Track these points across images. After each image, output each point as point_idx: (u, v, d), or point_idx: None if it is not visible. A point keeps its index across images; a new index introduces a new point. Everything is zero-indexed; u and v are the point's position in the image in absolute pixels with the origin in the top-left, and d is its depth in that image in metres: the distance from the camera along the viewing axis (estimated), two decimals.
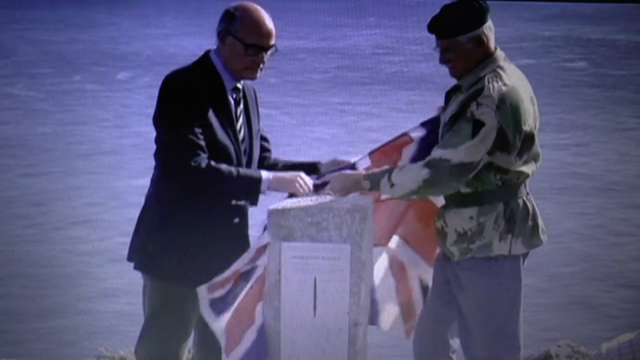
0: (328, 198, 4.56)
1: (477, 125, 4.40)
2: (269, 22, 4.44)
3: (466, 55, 4.50)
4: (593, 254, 10.96)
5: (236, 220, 4.51)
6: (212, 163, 4.37)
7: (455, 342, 4.78)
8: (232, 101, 4.49)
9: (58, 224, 12.00)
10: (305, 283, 4.43)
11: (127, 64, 25.74)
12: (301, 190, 4.41)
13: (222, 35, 4.43)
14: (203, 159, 4.36)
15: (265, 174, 4.45)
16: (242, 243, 4.55)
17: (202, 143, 4.36)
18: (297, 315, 4.43)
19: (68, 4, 44.85)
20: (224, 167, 4.39)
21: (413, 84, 23.23)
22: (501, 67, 4.52)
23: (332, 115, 19.52)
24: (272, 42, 4.42)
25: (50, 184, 13.70)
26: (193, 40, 30.82)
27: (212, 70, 4.45)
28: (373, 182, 4.51)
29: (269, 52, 4.43)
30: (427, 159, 4.45)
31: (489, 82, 4.45)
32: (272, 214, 4.50)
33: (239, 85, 4.52)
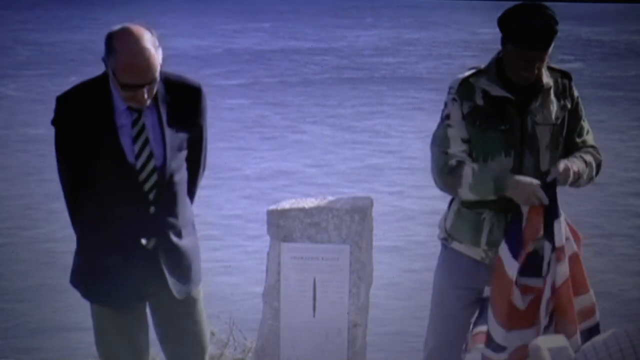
0: (327, 199, 4.56)
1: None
2: (144, 59, 4.02)
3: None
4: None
5: (143, 241, 4.36)
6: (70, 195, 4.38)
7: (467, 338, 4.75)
8: (125, 122, 4.17)
9: (54, 226, 11.98)
10: (305, 284, 4.43)
11: None
12: None
13: (105, 64, 4.14)
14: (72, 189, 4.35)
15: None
16: (155, 264, 4.39)
17: (75, 175, 4.31)
18: (297, 315, 4.43)
19: (64, 4, 44.82)
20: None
21: (409, 85, 23.24)
22: None
23: (327, 115, 19.52)
24: (150, 77, 4.05)
25: (43, 187, 13.67)
26: (191, 41, 30.82)
27: (104, 91, 4.20)
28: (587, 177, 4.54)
29: (150, 85, 4.10)
30: (590, 148, 4.56)
31: (555, 67, 4.59)
32: (271, 214, 4.49)
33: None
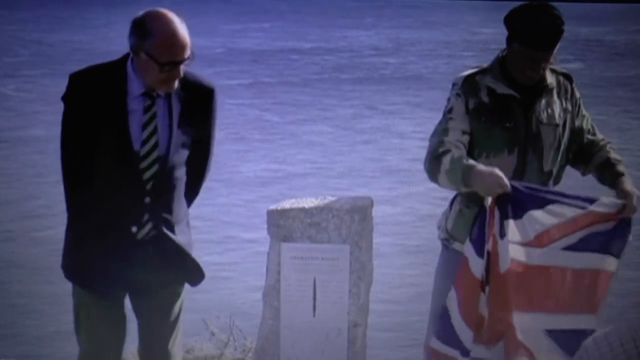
0: (327, 199, 4.56)
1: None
2: (183, 35, 4.12)
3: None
4: None
5: (134, 229, 4.34)
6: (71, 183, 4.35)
7: None
8: (136, 108, 4.19)
9: (56, 229, 11.98)
10: (305, 284, 4.43)
11: None
12: None
13: (134, 49, 4.15)
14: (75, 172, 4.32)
15: None
16: (144, 255, 4.38)
17: (80, 160, 4.28)
18: (297, 315, 4.43)
19: (64, 4, 44.81)
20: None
21: (409, 85, 23.24)
22: None
23: (327, 116, 19.53)
24: (188, 53, 4.14)
25: (43, 188, 13.67)
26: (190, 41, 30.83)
27: (119, 75, 4.22)
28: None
29: (185, 63, 4.16)
30: (606, 145, 4.65)
31: (557, 68, 4.59)
32: (271, 214, 4.50)
33: (155, 93, 4.20)
